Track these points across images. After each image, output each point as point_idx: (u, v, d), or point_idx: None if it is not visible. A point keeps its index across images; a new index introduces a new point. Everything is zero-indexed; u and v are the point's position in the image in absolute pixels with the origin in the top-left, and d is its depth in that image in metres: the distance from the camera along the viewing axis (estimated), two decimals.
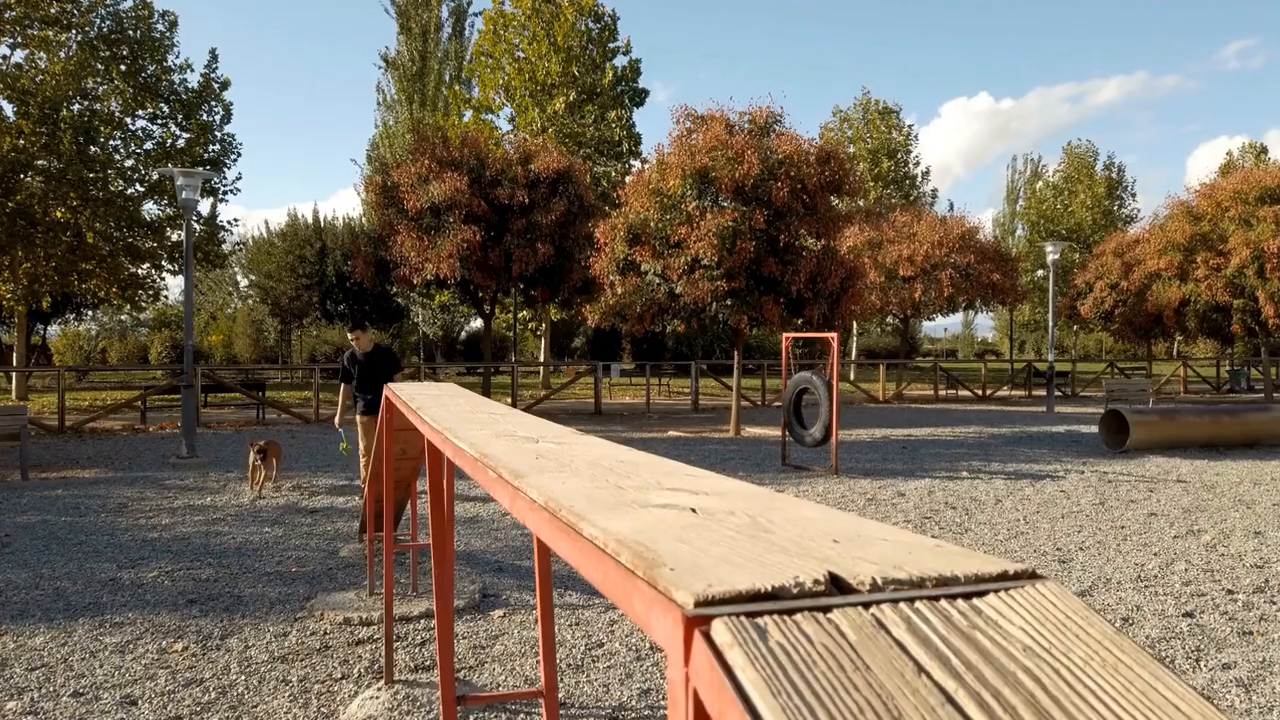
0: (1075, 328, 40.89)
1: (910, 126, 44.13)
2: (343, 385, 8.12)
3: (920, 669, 0.49)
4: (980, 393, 26.54)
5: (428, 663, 4.43)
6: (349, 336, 8.04)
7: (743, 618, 0.53)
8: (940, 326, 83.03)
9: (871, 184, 40.96)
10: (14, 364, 23.09)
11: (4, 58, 16.93)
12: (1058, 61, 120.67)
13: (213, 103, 19.81)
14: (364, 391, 7.89)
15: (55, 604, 5.44)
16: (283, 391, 24.72)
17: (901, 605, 0.55)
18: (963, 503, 8.99)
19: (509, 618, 5.17)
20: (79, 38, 17.64)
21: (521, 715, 3.85)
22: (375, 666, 4.39)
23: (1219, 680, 4.26)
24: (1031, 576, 0.60)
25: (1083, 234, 43.59)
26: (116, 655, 4.53)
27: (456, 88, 36.41)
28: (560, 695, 3.91)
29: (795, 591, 0.57)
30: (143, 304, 21.89)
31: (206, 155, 19.50)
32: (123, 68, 18.26)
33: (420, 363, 32.01)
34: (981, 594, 0.57)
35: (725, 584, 0.57)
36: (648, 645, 4.66)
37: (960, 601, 0.56)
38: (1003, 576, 0.60)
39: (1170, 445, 13.30)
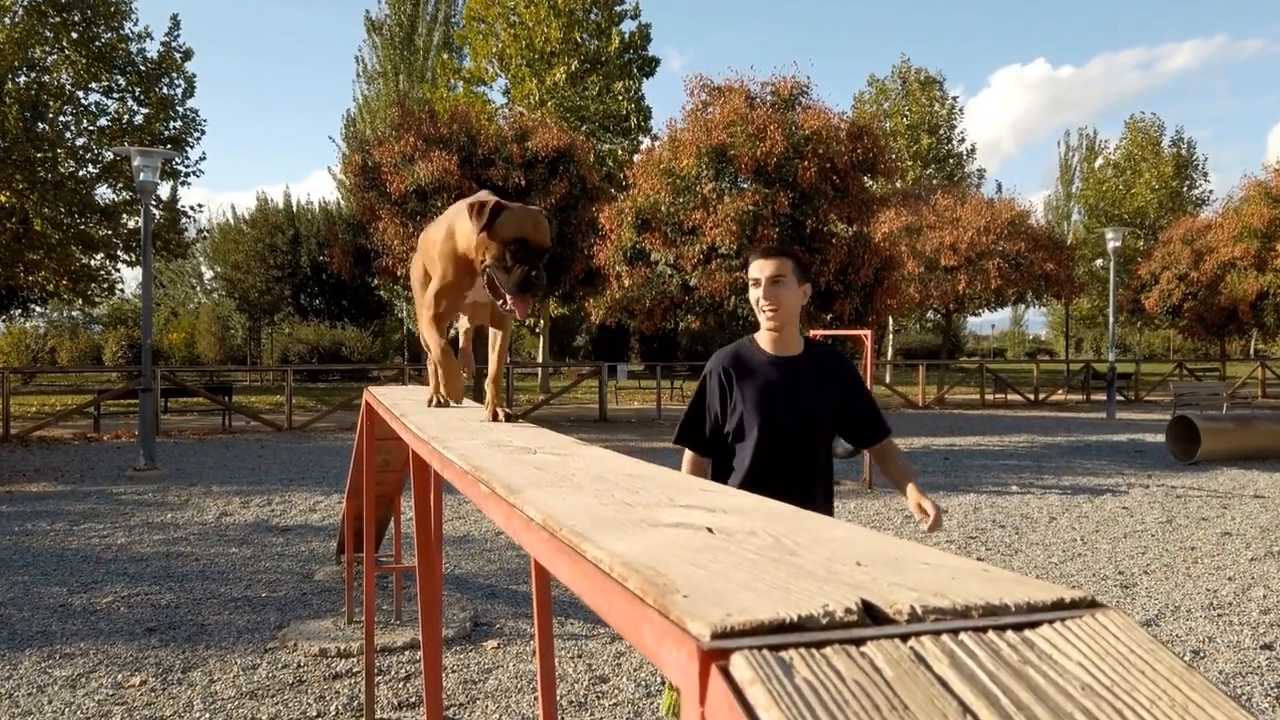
0: (1139, 324, 40.74)
1: (955, 99, 44.10)
2: (688, 461, 3.29)
3: (965, 709, 0.48)
4: (1032, 397, 26.44)
5: (413, 699, 4.44)
6: (751, 287, 3.17)
7: (765, 651, 0.53)
8: (987, 323, 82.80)
9: (910, 163, 40.92)
10: None
11: None
12: (1126, 23, 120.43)
13: (174, 75, 19.91)
14: (766, 471, 3.14)
15: None
16: (252, 396, 24.83)
17: (944, 637, 0.55)
18: (1012, 521, 8.96)
19: (504, 649, 5.18)
20: (25, 2, 17.76)
21: None
22: (355, 703, 4.40)
23: None
24: (1091, 605, 0.60)
25: (1147, 219, 43.45)
26: (67, 690, 4.55)
27: (445, 56, 36.50)
28: None
29: (824, 622, 0.57)
30: (96, 298, 22.00)
31: (166, 133, 19.61)
32: (74, 35, 18.37)
33: (404, 364, 32.13)
34: (1034, 625, 0.57)
35: (746, 613, 0.57)
36: (658, 680, 4.66)
37: (1010, 633, 0.56)
38: (1058, 605, 0.60)
39: (1246, 456, 13.23)
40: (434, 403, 2.86)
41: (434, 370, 2.90)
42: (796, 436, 3.15)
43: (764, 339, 3.22)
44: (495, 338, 2.83)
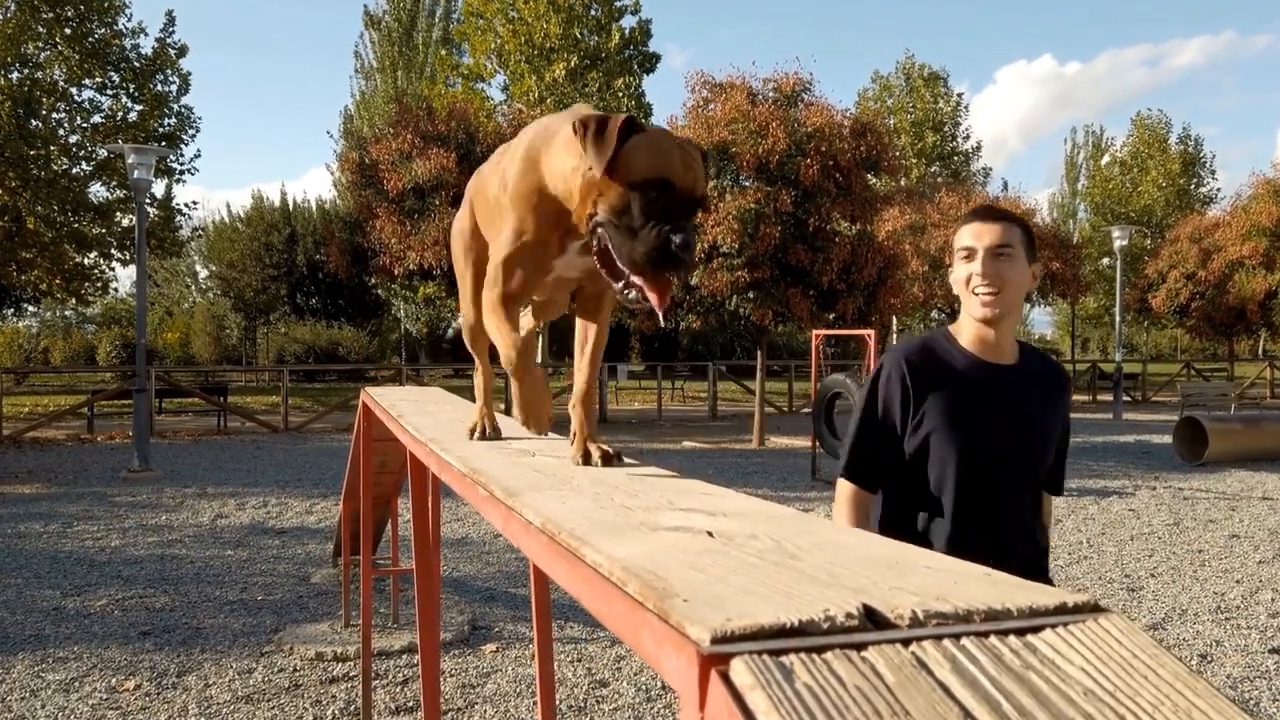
0: (1146, 323, 40.71)
1: (960, 95, 44.05)
2: (846, 498, 2.46)
3: (967, 715, 0.49)
4: None
5: (411, 704, 4.44)
6: (959, 261, 2.27)
7: (765, 656, 0.53)
8: None
9: (914, 160, 40.90)
10: None
11: None
12: (1132, 19, 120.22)
13: (168, 71, 19.92)
14: (966, 515, 2.23)
15: None
16: (247, 396, 24.83)
17: (945, 642, 0.55)
18: None
19: (502, 653, 5.18)
20: None
21: None
22: (352, 708, 4.40)
23: None
24: (1093, 609, 0.60)
25: (1154, 217, 43.40)
26: (60, 694, 4.56)
27: (444, 52, 36.50)
28: None
29: (825, 626, 0.57)
30: (89, 298, 22.02)
31: (161, 130, 19.60)
32: (67, 31, 18.36)
33: (402, 363, 32.14)
34: (1036, 629, 0.57)
35: (746, 618, 0.57)
36: (659, 685, 4.66)
37: (1012, 638, 0.56)
38: (1061, 609, 0.60)
39: (1255, 457, 13.22)
40: (481, 431, 1.90)
41: (483, 384, 2.03)
42: (1010, 471, 2.27)
43: (968, 334, 2.28)
44: (585, 335, 1.81)
